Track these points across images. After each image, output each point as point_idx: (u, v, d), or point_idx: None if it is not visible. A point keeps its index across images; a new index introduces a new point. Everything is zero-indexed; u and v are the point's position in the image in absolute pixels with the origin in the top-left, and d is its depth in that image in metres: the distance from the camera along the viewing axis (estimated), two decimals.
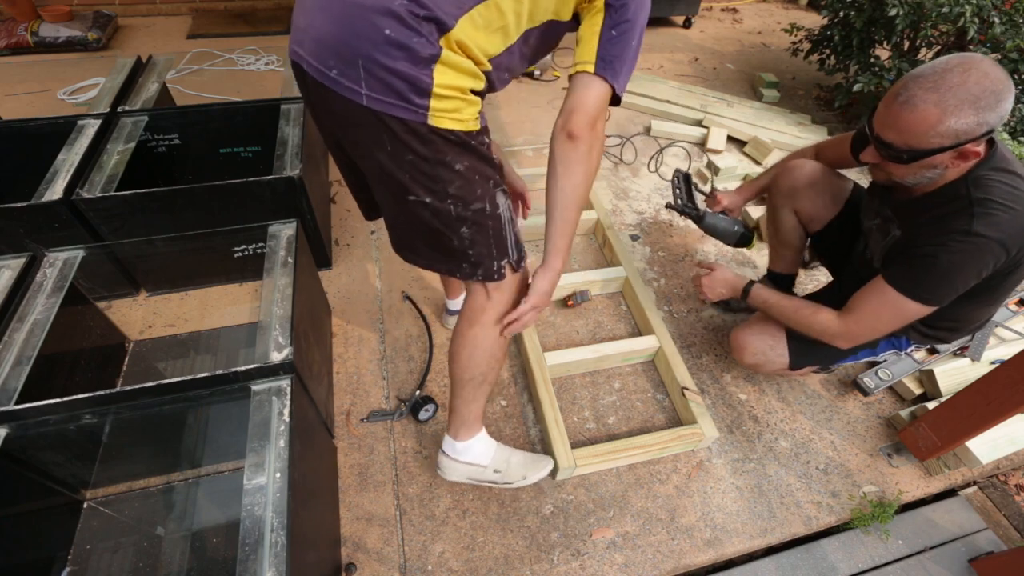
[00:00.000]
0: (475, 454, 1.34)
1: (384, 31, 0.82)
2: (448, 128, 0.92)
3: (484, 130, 1.02)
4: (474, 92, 0.94)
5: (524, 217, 1.45)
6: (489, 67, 0.93)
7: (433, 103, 0.88)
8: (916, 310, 1.19)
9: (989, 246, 1.08)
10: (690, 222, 2.29)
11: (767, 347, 1.51)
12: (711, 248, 2.19)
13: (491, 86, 0.99)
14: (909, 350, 1.55)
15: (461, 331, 1.19)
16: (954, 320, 1.38)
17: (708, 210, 1.76)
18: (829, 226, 1.62)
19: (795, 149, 2.69)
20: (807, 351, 1.49)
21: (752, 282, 1.52)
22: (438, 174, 0.97)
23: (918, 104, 1.04)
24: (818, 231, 1.65)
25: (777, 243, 1.77)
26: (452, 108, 0.91)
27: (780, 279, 1.82)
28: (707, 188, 1.87)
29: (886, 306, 1.21)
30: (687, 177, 1.89)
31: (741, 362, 1.59)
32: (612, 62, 0.95)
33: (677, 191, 1.81)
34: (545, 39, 1.01)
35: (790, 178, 1.61)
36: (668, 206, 1.77)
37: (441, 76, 0.87)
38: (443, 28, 0.84)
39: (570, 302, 1.83)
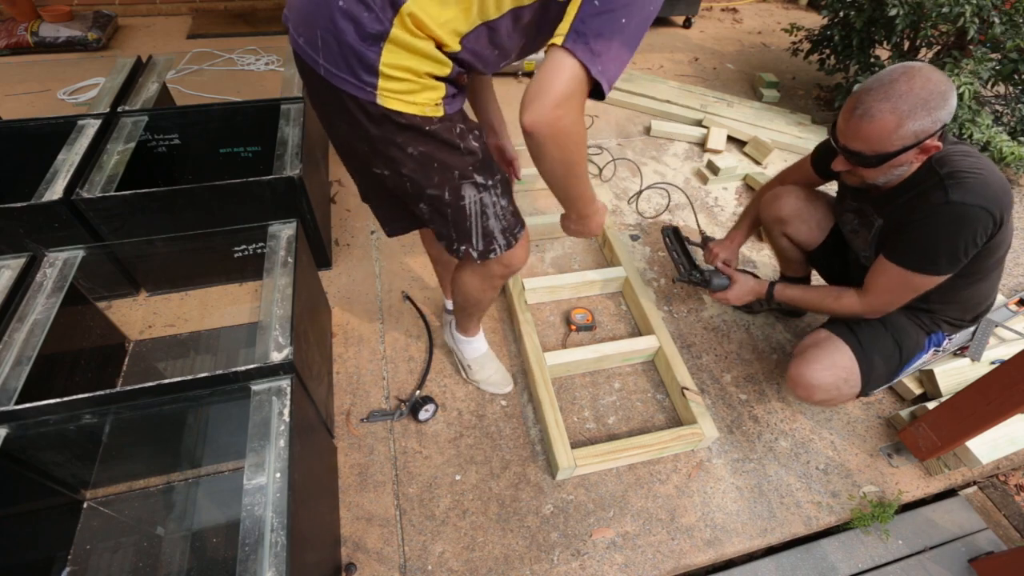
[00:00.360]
0: (465, 348, 1.60)
1: (338, 2, 0.80)
2: (398, 110, 0.88)
3: (451, 117, 0.94)
4: (437, 77, 0.89)
5: (517, 178, 1.44)
6: (457, 48, 0.86)
7: (381, 82, 0.85)
8: (924, 281, 1.26)
9: (973, 212, 1.15)
10: (689, 222, 2.29)
11: (840, 381, 1.40)
12: None
13: (472, 68, 0.94)
14: (945, 343, 1.52)
15: (455, 268, 1.32)
16: (967, 302, 1.40)
17: (709, 267, 1.75)
18: (823, 244, 1.63)
19: (794, 150, 2.72)
20: (876, 375, 1.43)
21: (773, 283, 1.57)
22: (391, 154, 0.95)
23: (875, 115, 1.12)
24: (812, 250, 1.66)
25: (780, 258, 1.81)
26: (404, 90, 0.87)
27: (796, 281, 1.84)
28: (697, 235, 1.90)
29: (896, 282, 1.29)
30: (676, 233, 1.91)
31: (807, 400, 1.46)
32: (589, 38, 0.79)
33: (674, 254, 1.82)
34: (542, 20, 0.91)
35: (775, 209, 1.61)
36: (675, 281, 1.80)
37: (390, 55, 0.83)
38: (394, 2, 0.79)
39: (572, 326, 1.83)
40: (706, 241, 1.88)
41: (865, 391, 1.44)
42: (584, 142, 0.93)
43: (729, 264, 1.76)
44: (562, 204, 1.10)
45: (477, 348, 1.61)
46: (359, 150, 0.98)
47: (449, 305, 1.73)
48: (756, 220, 1.76)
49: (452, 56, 0.88)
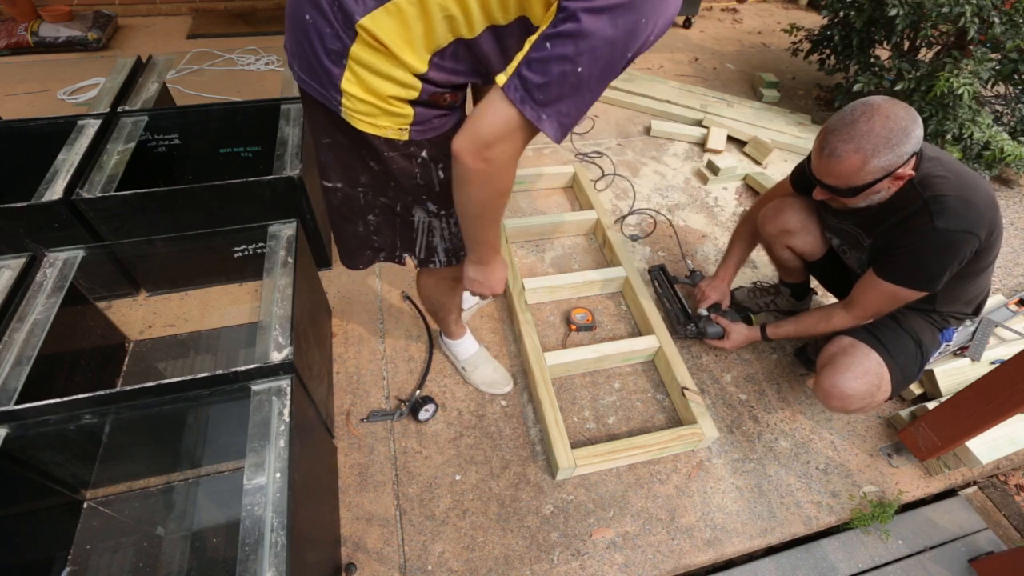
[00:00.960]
0: (456, 351, 1.64)
1: (305, 16, 0.80)
2: (359, 129, 0.88)
3: (416, 143, 0.91)
4: (405, 100, 0.85)
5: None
6: (424, 68, 0.81)
7: (344, 100, 0.84)
8: (913, 294, 1.31)
9: (959, 237, 1.20)
10: (689, 222, 2.29)
11: (873, 388, 1.38)
12: (710, 249, 2.19)
13: (454, 85, 0.88)
14: (953, 336, 1.52)
15: (417, 274, 1.36)
16: (968, 296, 1.41)
17: (704, 313, 1.78)
18: (824, 255, 1.63)
19: (794, 150, 2.72)
20: (905, 376, 1.42)
21: (764, 325, 1.63)
22: (352, 162, 0.97)
23: (842, 155, 1.17)
24: (813, 261, 1.67)
25: (780, 268, 1.81)
26: (366, 111, 0.85)
27: (796, 287, 1.85)
28: (684, 268, 1.97)
29: (884, 296, 1.34)
30: (664, 272, 1.94)
31: (842, 411, 1.42)
32: (532, 87, 0.73)
33: (665, 302, 1.84)
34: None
35: (781, 221, 1.60)
36: (676, 338, 1.79)
37: (351, 76, 0.82)
38: (350, 19, 0.76)
39: (572, 326, 1.83)
40: (693, 276, 1.94)
41: (894, 394, 1.43)
42: (507, 190, 0.89)
43: (722, 304, 1.80)
44: (465, 243, 1.04)
45: (466, 348, 1.63)
46: (318, 160, 1.00)
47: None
48: (744, 254, 1.79)
49: (421, 77, 0.83)
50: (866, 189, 1.21)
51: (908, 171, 1.20)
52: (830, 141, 1.19)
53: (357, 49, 0.79)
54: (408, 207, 1.04)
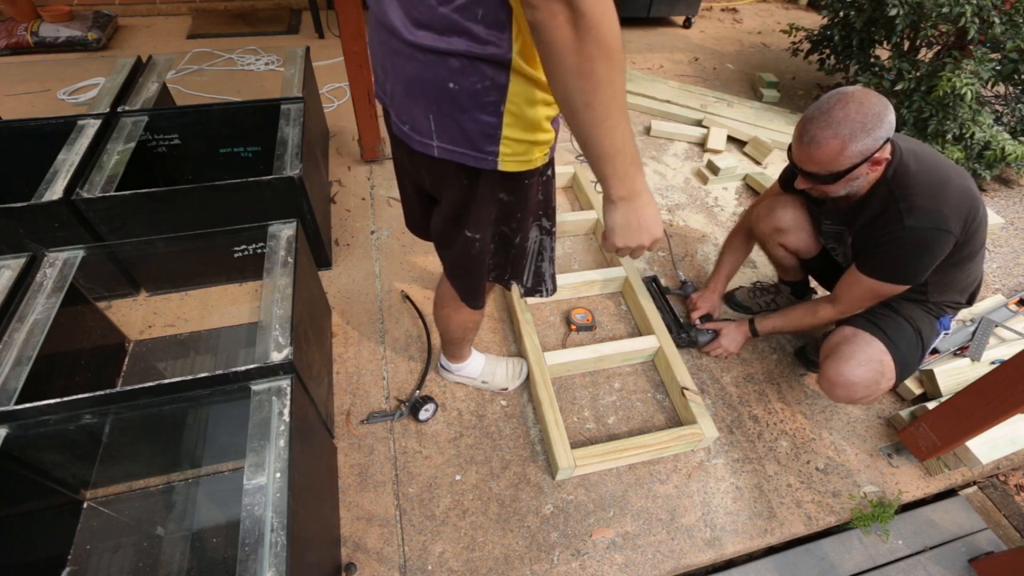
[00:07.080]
0: (467, 371, 1.59)
1: (448, 85, 0.81)
2: (514, 171, 0.89)
3: (551, 161, 0.97)
4: (555, 118, 0.87)
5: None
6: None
7: (503, 149, 0.85)
8: (892, 289, 1.35)
9: (930, 235, 1.23)
10: (689, 222, 2.29)
11: (878, 375, 1.37)
12: (710, 249, 2.19)
13: None
14: (950, 324, 1.52)
15: (436, 306, 1.34)
16: (960, 284, 1.42)
17: (696, 325, 1.80)
18: (819, 254, 1.65)
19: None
20: (908, 364, 1.42)
21: (752, 320, 1.68)
22: (489, 207, 0.97)
23: (821, 141, 1.21)
24: (808, 259, 1.68)
25: (777, 267, 1.83)
26: (521, 152, 0.87)
27: (795, 285, 1.86)
28: (677, 274, 2.01)
29: (867, 291, 1.39)
30: (657, 283, 1.95)
31: (848, 400, 1.42)
32: None
33: (659, 313, 1.84)
34: None
35: (774, 219, 1.62)
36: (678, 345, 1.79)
37: (511, 116, 0.82)
38: (503, 61, 0.76)
39: (572, 326, 1.83)
40: (685, 287, 1.97)
41: (898, 382, 1.43)
42: (616, 44, 0.64)
43: (713, 315, 1.83)
44: (595, 169, 0.77)
45: (476, 364, 1.59)
46: (450, 211, 0.99)
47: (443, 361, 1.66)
48: (735, 264, 1.81)
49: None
50: (846, 175, 1.23)
51: (885, 155, 1.23)
52: (809, 129, 1.22)
53: (514, 85, 0.78)
54: (526, 231, 1.04)
